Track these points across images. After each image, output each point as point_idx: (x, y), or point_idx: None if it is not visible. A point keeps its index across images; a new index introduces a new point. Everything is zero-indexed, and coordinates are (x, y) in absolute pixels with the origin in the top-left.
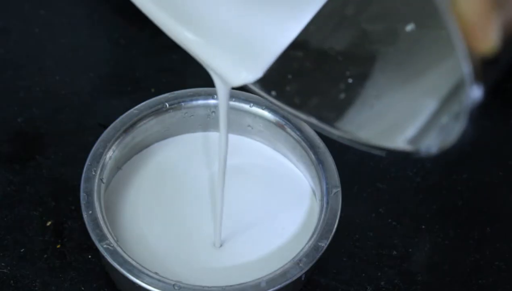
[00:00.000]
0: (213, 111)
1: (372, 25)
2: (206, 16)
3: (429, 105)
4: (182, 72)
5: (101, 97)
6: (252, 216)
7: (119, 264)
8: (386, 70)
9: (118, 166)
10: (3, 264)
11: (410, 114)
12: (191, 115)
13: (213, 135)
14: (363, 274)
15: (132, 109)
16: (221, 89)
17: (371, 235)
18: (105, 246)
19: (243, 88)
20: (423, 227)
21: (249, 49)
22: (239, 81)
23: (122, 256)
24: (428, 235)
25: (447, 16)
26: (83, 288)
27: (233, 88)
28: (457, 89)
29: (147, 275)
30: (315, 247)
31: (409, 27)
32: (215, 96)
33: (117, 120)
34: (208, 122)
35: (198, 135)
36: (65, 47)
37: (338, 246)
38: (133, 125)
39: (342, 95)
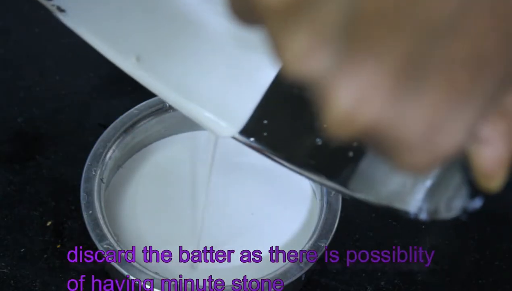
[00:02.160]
0: None
1: None
2: (193, 85)
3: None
4: None
5: (101, 97)
6: (252, 215)
7: (119, 264)
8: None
9: (119, 164)
10: (3, 264)
11: (403, 175)
12: None
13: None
14: (363, 274)
15: (132, 109)
16: (212, 140)
17: (371, 235)
18: (105, 246)
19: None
20: (423, 227)
21: (228, 106)
22: (226, 134)
23: (122, 256)
24: (428, 235)
25: (465, 162)
26: (83, 288)
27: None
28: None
29: (147, 275)
30: (315, 247)
31: None
32: None
33: (117, 120)
34: None
35: (198, 134)
36: (65, 47)
37: (338, 246)
38: (133, 125)
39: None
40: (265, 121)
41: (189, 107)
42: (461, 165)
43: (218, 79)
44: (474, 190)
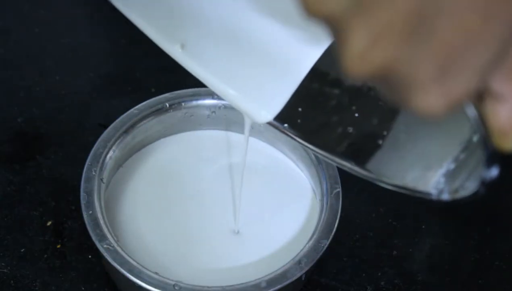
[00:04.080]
0: (213, 111)
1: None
2: (232, 72)
3: (447, 158)
4: (182, 72)
5: (101, 97)
6: (253, 215)
7: (119, 264)
8: (404, 125)
9: (119, 164)
10: (3, 264)
11: (428, 160)
12: (191, 115)
13: (213, 133)
14: (363, 274)
15: (132, 109)
16: (247, 123)
17: (371, 235)
18: (105, 246)
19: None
20: (423, 227)
21: (265, 92)
22: (262, 119)
23: (122, 256)
24: (428, 235)
25: (481, 122)
26: (83, 288)
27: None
28: (472, 150)
29: (147, 275)
30: (315, 247)
31: None
32: (215, 96)
33: (117, 120)
34: (208, 122)
35: (198, 134)
36: (65, 47)
37: (338, 246)
38: (133, 125)
39: (373, 131)
40: (300, 109)
41: (228, 92)
42: (479, 130)
43: (257, 68)
44: (491, 156)
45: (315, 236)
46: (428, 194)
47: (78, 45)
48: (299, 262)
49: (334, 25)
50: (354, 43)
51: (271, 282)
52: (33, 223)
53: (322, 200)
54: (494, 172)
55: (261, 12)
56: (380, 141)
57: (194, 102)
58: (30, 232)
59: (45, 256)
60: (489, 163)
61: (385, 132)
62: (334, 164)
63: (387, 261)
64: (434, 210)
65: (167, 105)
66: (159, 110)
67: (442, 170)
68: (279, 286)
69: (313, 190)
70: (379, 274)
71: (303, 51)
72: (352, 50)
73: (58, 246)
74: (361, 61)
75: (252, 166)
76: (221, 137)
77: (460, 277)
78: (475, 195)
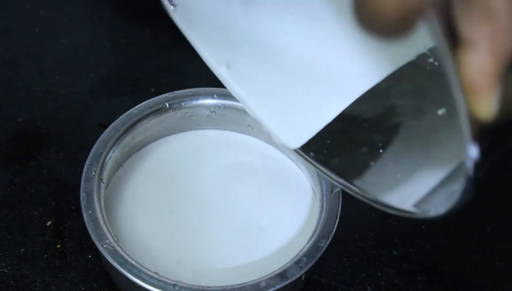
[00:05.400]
0: (213, 111)
1: (401, 100)
2: (271, 97)
3: (438, 174)
4: (182, 72)
5: (101, 97)
6: (252, 215)
7: (119, 264)
8: (406, 140)
9: (119, 164)
10: (3, 264)
11: (419, 180)
12: (191, 115)
13: (213, 133)
14: (363, 274)
15: (132, 109)
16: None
17: (371, 235)
18: (105, 246)
19: None
20: (423, 227)
21: (299, 123)
22: (292, 146)
23: (122, 256)
24: (428, 235)
25: (452, 75)
26: (83, 288)
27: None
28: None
29: (147, 275)
30: (315, 247)
31: (440, 111)
32: (215, 96)
33: (117, 120)
34: (208, 122)
35: (198, 133)
36: (65, 47)
37: (338, 246)
38: (133, 125)
39: (364, 158)
40: (328, 141)
41: (263, 116)
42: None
43: (298, 95)
44: (468, 135)
45: (314, 236)
46: (425, 213)
47: (78, 45)
48: (299, 262)
49: None
50: None
51: (270, 282)
52: (33, 223)
53: (322, 200)
54: (473, 152)
55: (321, 39)
56: (399, 175)
57: (194, 102)
58: (30, 232)
59: (45, 256)
60: (469, 140)
61: (393, 158)
62: (350, 192)
63: (387, 261)
64: None
65: (167, 105)
66: (159, 110)
67: (426, 188)
68: (278, 286)
69: (313, 190)
70: (379, 274)
71: (349, 85)
72: None
73: (58, 246)
74: None
75: (252, 166)
76: (221, 137)
77: (460, 277)
78: (467, 195)
